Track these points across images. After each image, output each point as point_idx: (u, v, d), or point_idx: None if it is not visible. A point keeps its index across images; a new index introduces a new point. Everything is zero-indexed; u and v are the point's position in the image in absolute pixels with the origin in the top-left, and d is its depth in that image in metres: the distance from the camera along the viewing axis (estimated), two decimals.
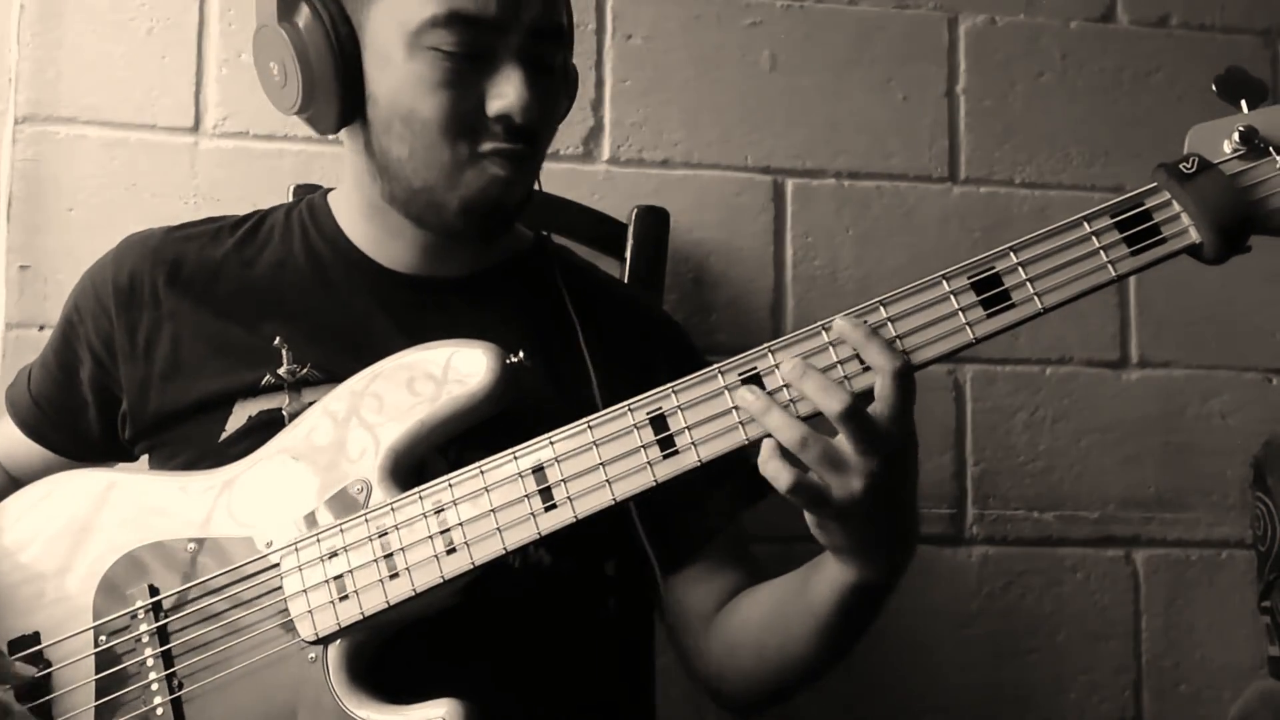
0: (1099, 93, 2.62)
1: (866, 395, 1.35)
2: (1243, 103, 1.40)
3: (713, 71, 2.53)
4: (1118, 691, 2.53)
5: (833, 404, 1.33)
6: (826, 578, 1.50)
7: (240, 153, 2.37)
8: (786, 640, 1.60)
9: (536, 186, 1.74)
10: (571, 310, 1.72)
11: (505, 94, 1.59)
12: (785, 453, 1.36)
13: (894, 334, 1.37)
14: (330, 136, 1.74)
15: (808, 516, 1.41)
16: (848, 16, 2.57)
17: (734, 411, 1.39)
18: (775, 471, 1.35)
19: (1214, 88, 1.41)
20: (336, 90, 1.64)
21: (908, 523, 1.48)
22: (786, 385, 1.38)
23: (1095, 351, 2.58)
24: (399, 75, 1.62)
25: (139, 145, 2.35)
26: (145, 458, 1.80)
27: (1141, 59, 2.65)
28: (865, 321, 1.37)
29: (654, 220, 2.35)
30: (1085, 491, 2.55)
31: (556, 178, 2.37)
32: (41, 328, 2.26)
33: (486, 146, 1.62)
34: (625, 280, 2.29)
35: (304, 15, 1.64)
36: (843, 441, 1.34)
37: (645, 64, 2.50)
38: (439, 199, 1.65)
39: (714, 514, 1.75)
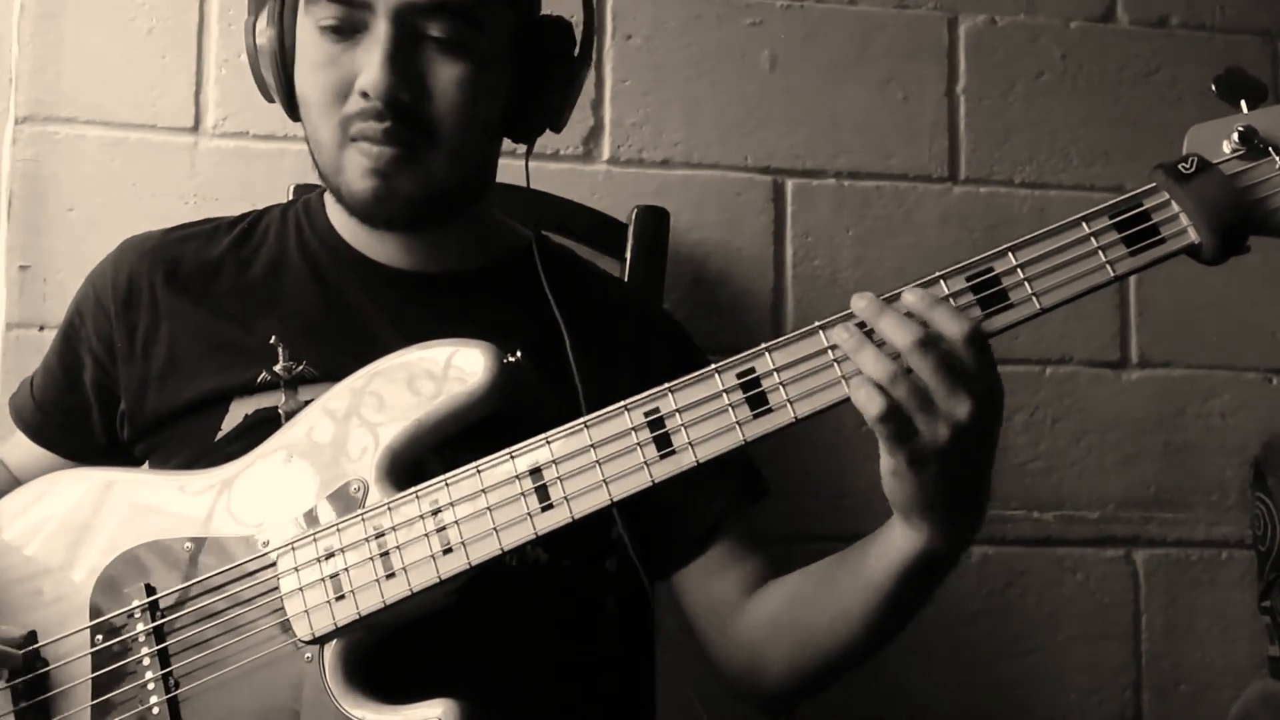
0: (1099, 93, 2.62)
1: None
2: (1242, 103, 1.40)
3: (713, 71, 2.53)
4: (1118, 691, 2.53)
5: (955, 326, 1.33)
6: (889, 545, 1.48)
7: (240, 153, 2.38)
8: (836, 618, 1.57)
9: (527, 183, 1.74)
10: (557, 311, 1.71)
11: (363, 68, 1.59)
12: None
13: None
14: (296, 134, 1.77)
15: (884, 463, 1.39)
16: (848, 16, 2.57)
17: (730, 412, 1.39)
18: (866, 398, 1.34)
19: (1213, 88, 1.40)
20: (277, 85, 1.69)
21: (979, 494, 1.46)
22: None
23: (1095, 351, 2.58)
24: (300, 59, 1.65)
25: (139, 145, 2.35)
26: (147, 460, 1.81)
27: (1141, 59, 2.65)
28: (930, 292, 1.37)
29: (654, 220, 2.35)
30: (1085, 491, 2.55)
31: (556, 178, 2.38)
32: (41, 328, 2.26)
33: (353, 129, 1.61)
34: (625, 280, 2.29)
35: (262, 13, 1.69)
36: (932, 380, 1.33)
37: (645, 64, 2.51)
38: (335, 187, 1.68)
39: (715, 507, 1.73)
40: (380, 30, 1.58)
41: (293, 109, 1.70)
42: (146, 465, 1.79)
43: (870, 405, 1.34)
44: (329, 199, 1.82)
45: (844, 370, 1.38)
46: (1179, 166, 1.38)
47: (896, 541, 1.47)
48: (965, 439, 1.34)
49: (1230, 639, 2.56)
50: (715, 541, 1.73)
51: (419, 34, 1.60)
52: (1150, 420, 2.58)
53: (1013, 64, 2.61)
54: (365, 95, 1.58)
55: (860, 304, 1.37)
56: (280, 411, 1.66)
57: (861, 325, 1.37)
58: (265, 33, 1.68)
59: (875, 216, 2.54)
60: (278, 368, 1.68)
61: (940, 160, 2.57)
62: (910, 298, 1.36)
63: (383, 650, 1.52)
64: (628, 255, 2.31)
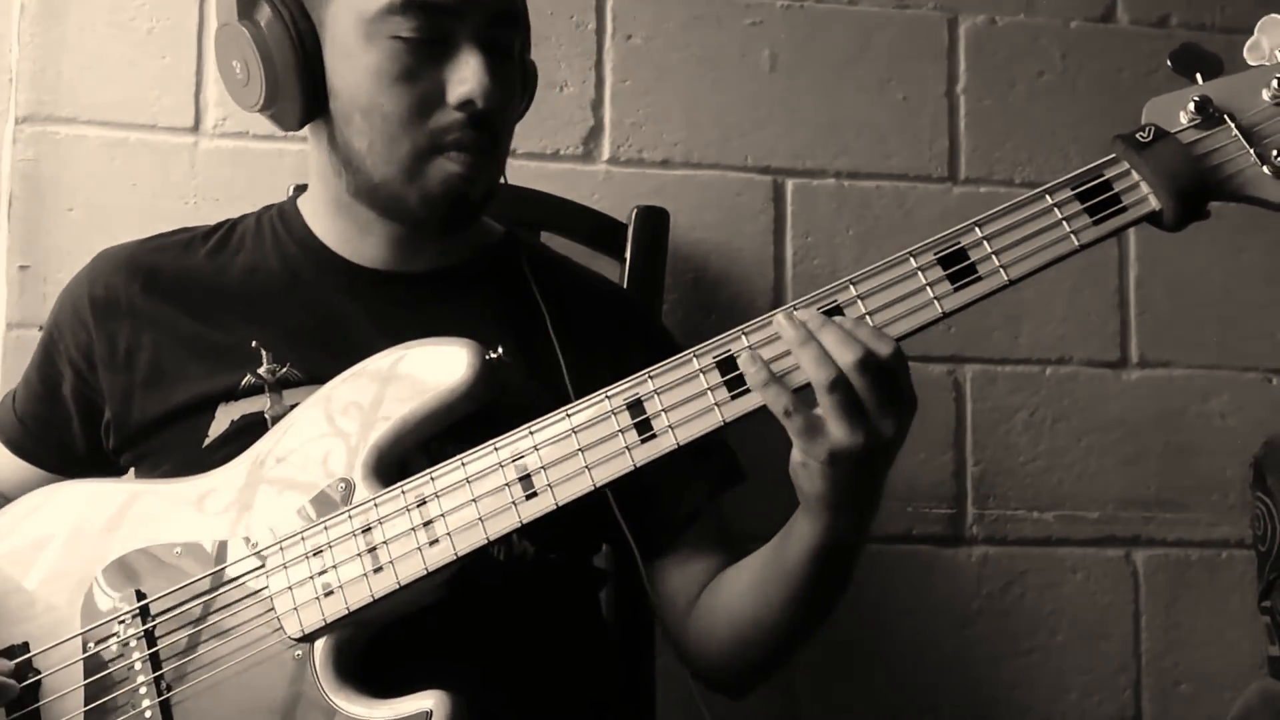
0: (1099, 93, 2.62)
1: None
2: (1198, 75, 1.43)
3: (713, 71, 2.53)
4: (1118, 691, 2.52)
5: (883, 347, 1.36)
6: (798, 539, 1.51)
7: (240, 153, 2.38)
8: (762, 609, 1.61)
9: (503, 180, 1.74)
10: (541, 302, 1.72)
11: (466, 79, 1.59)
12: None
13: (864, 311, 1.39)
14: (296, 134, 1.76)
15: (794, 455, 1.42)
16: (848, 16, 2.57)
17: (709, 394, 1.41)
18: (774, 395, 1.37)
19: (1169, 63, 1.43)
20: (298, 86, 1.65)
21: (879, 489, 1.49)
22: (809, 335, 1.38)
23: (1095, 351, 2.57)
24: (359, 67, 1.62)
25: (139, 145, 2.36)
26: (132, 469, 1.81)
27: (1141, 59, 2.64)
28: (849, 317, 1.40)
29: (654, 220, 2.35)
30: (1085, 491, 2.54)
31: (556, 178, 2.38)
32: (41, 328, 2.26)
33: (447, 138, 1.62)
34: (625, 280, 2.29)
35: (264, 13, 1.65)
36: (868, 397, 1.36)
37: (645, 64, 2.51)
38: (398, 192, 1.65)
39: (694, 498, 1.74)
40: (473, 39, 1.60)
41: (315, 106, 1.67)
42: (132, 474, 1.80)
43: (779, 401, 1.38)
44: (304, 203, 1.83)
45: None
46: (1137, 136, 1.40)
47: (805, 531, 1.50)
48: (879, 450, 1.38)
49: (1230, 639, 2.55)
50: (692, 529, 1.74)
51: (494, 42, 1.63)
52: (1150, 420, 2.57)
53: (1013, 64, 2.61)
54: (465, 105, 1.60)
55: (804, 315, 1.39)
56: (266, 416, 1.67)
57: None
58: (277, 36, 1.64)
59: (875, 216, 2.54)
60: (262, 371, 1.68)
61: (940, 160, 2.57)
62: (837, 320, 1.39)
63: (374, 647, 1.52)
64: (628, 255, 2.31)
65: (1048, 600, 2.52)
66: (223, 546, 1.55)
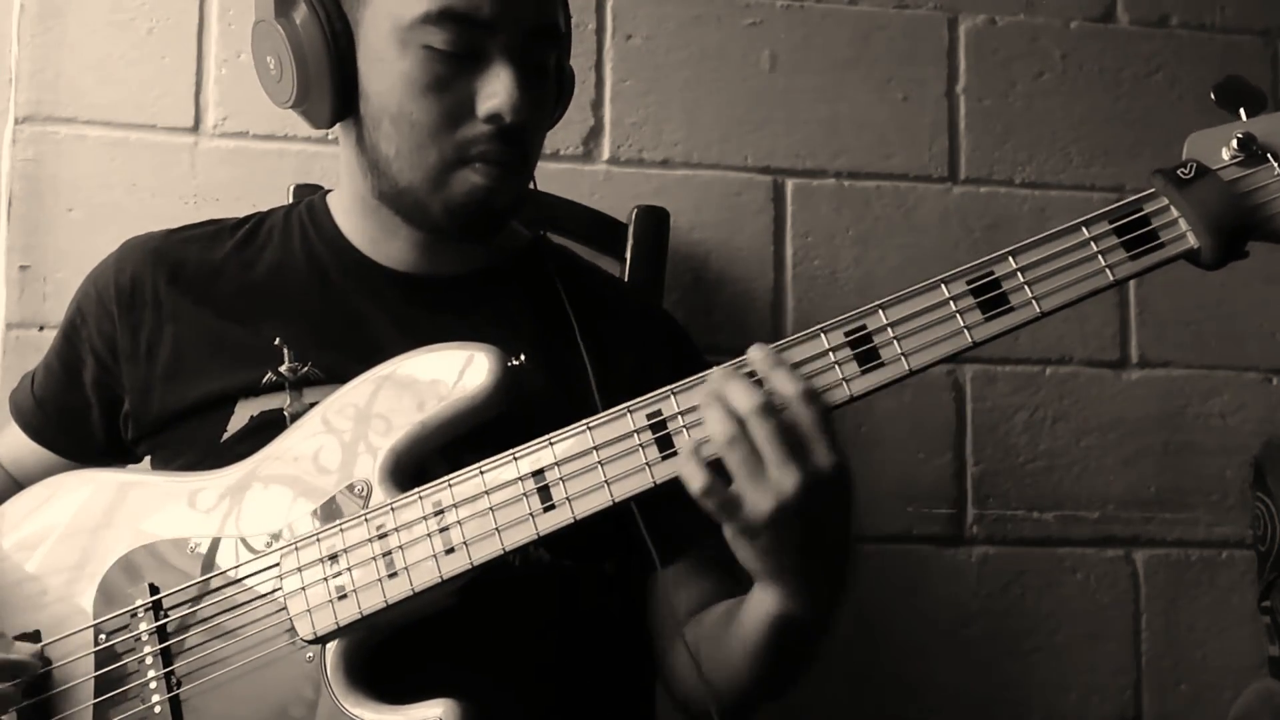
0: (1099, 93, 2.62)
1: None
2: (1241, 111, 1.41)
3: (713, 71, 2.53)
4: (1118, 691, 2.53)
5: (788, 387, 1.34)
6: (753, 604, 1.49)
7: (240, 153, 2.37)
8: (721, 663, 1.58)
9: (531, 186, 1.74)
10: (569, 308, 1.72)
11: (496, 93, 1.59)
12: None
13: (892, 336, 1.37)
14: (328, 135, 1.75)
15: (725, 528, 1.39)
16: (848, 16, 2.57)
17: None
18: (691, 472, 1.35)
19: (1213, 96, 1.41)
20: (330, 86, 1.65)
21: (829, 563, 1.45)
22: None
23: (1095, 351, 2.58)
24: (390, 74, 1.62)
25: (139, 145, 2.35)
26: (149, 459, 1.81)
27: (1141, 59, 2.65)
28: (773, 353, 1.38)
29: (654, 220, 2.35)
30: (1085, 491, 2.55)
31: (556, 178, 2.38)
32: (41, 328, 2.26)
33: (474, 150, 1.62)
34: (625, 280, 2.28)
35: (300, 11, 1.65)
36: (766, 448, 1.33)
37: (645, 64, 2.50)
38: (423, 201, 1.66)
39: (702, 517, 1.71)
40: (506, 53, 1.60)
41: (346, 106, 1.68)
42: (149, 464, 1.79)
43: (695, 479, 1.34)
44: (333, 201, 1.83)
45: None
46: (1178, 172, 1.39)
47: (755, 603, 1.48)
48: (791, 512, 1.33)
49: (1230, 639, 2.56)
50: (696, 549, 1.71)
51: (528, 57, 1.63)
52: (1150, 420, 2.58)
53: (1013, 64, 2.61)
54: (493, 119, 1.60)
55: (755, 354, 1.39)
56: (285, 413, 1.66)
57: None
58: (312, 35, 1.64)
59: (875, 216, 2.54)
60: (283, 369, 1.68)
61: (940, 160, 2.57)
62: (755, 354, 1.38)
63: (385, 651, 1.52)
64: (628, 255, 2.31)
65: (1048, 600, 2.53)
66: (237, 544, 1.55)
